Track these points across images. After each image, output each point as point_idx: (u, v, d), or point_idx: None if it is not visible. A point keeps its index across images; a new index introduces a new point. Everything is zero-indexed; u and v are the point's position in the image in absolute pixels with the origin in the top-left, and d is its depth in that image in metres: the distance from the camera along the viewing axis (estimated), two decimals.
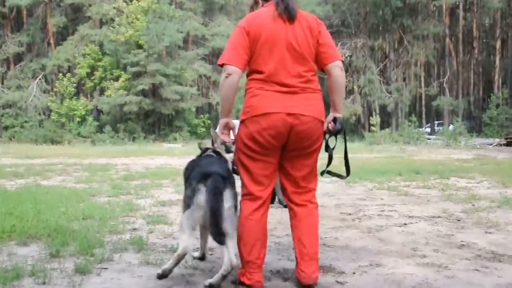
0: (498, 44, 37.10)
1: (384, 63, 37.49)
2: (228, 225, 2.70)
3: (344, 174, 3.03)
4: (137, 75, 30.38)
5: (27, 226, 4.16)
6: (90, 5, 32.63)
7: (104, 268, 3.19)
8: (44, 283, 2.89)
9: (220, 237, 2.64)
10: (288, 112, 2.66)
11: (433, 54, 36.81)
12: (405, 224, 4.77)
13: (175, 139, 29.36)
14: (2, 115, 32.38)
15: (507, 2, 34.12)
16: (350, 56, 34.72)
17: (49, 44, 35.11)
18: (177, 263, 2.81)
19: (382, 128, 29.99)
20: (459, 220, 4.94)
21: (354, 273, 3.16)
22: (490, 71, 39.10)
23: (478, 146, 22.37)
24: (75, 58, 32.40)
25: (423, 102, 38.31)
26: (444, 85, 35.87)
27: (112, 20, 31.58)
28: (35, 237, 3.95)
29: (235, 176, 2.99)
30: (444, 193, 6.93)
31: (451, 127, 29.22)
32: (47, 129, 30.26)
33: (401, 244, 3.94)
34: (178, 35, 31.30)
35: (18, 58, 35.42)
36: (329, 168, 3.01)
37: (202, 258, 3.42)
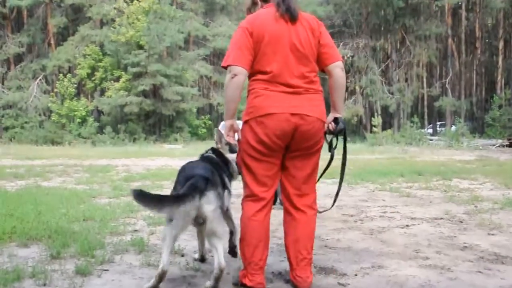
0: (501, 45, 37.03)
1: (386, 63, 37.53)
2: (216, 226, 2.69)
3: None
4: (137, 76, 30.34)
5: (27, 228, 4.17)
6: (90, 6, 32.62)
7: (105, 270, 3.19)
8: (44, 285, 2.89)
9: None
10: (292, 112, 2.66)
11: (435, 54, 36.83)
12: (407, 225, 4.76)
13: (176, 140, 29.29)
14: (3, 116, 32.31)
15: (509, 2, 34.02)
16: (352, 57, 34.69)
17: (49, 44, 35.10)
18: (159, 281, 2.76)
19: (384, 129, 29.93)
20: (461, 222, 4.92)
21: (356, 275, 3.15)
22: (493, 72, 39.15)
23: (481, 147, 22.33)
24: (76, 59, 32.39)
25: (425, 102, 38.33)
26: (447, 85, 35.89)
27: (113, 20, 31.56)
28: (36, 239, 3.95)
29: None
30: (446, 194, 6.91)
31: (453, 128, 29.21)
32: (47, 130, 30.16)
33: (403, 245, 3.93)
34: (179, 35, 31.25)
35: (19, 58, 35.40)
36: (328, 169, 3.02)
37: (202, 259, 3.39)
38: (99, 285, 2.92)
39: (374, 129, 28.13)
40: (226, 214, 2.96)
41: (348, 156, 3.05)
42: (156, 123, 32.13)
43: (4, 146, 24.88)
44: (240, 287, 2.83)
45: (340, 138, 2.92)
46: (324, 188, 6.70)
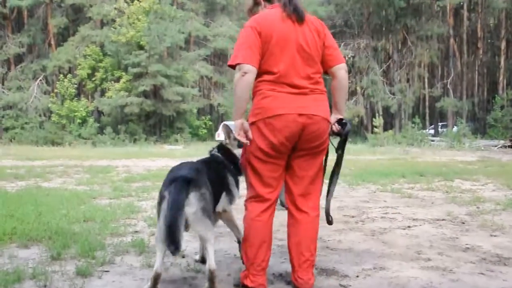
0: (503, 45, 36.97)
1: (388, 64, 37.54)
2: (199, 229, 2.68)
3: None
4: (138, 76, 30.36)
5: (28, 229, 4.16)
6: (91, 6, 32.66)
7: (106, 271, 3.19)
8: (45, 286, 2.88)
9: (173, 248, 2.50)
10: (300, 112, 2.67)
11: (437, 55, 36.87)
12: (409, 226, 4.73)
13: (177, 140, 29.30)
14: (3, 117, 32.31)
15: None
16: (353, 57, 34.68)
17: (49, 45, 35.12)
18: (154, 284, 2.73)
19: (385, 129, 29.99)
20: (463, 223, 4.90)
21: (357, 276, 3.14)
22: (495, 72, 39.10)
23: (483, 148, 22.36)
24: (76, 59, 32.46)
25: (427, 103, 38.32)
26: (448, 86, 35.87)
27: (113, 20, 31.60)
28: (36, 240, 3.94)
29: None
30: (448, 195, 6.88)
31: (455, 128, 29.26)
32: (47, 131, 30.17)
33: (405, 247, 3.91)
34: (180, 35, 31.25)
35: (19, 59, 35.41)
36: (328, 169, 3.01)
37: (203, 260, 3.31)
38: (100, 286, 2.92)
39: (375, 129, 28.17)
40: (213, 216, 2.89)
41: (349, 157, 3.09)
42: (157, 123, 32.18)
43: (4, 147, 24.90)
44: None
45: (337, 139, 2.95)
46: (325, 189, 6.63)
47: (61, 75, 32.22)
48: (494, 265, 3.40)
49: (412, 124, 27.75)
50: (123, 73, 30.68)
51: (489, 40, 41.07)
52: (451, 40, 36.66)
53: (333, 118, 2.86)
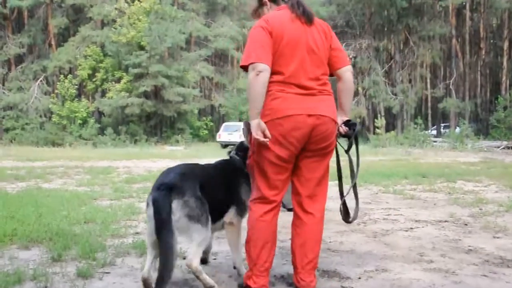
0: (506, 45, 36.88)
1: (389, 64, 37.52)
2: (186, 234, 2.71)
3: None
4: (139, 77, 30.34)
5: (28, 230, 4.19)
6: (91, 6, 32.67)
7: (106, 273, 3.20)
8: (46, 287, 2.89)
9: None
10: (309, 113, 2.69)
11: (439, 55, 36.85)
12: (411, 228, 4.74)
13: (177, 141, 29.25)
14: (3, 117, 32.25)
15: None
16: (355, 57, 34.62)
17: (50, 45, 35.14)
18: (145, 287, 2.77)
19: (387, 130, 29.96)
20: (466, 225, 4.90)
21: (359, 278, 3.15)
22: (498, 73, 39.09)
23: (485, 149, 22.23)
24: (77, 60, 32.46)
25: (429, 104, 38.34)
26: (451, 86, 35.84)
27: (114, 21, 31.58)
28: (37, 241, 3.97)
29: None
30: (451, 196, 6.88)
31: (457, 129, 29.19)
32: (48, 132, 30.15)
33: (407, 248, 3.91)
34: (181, 36, 31.23)
35: (19, 59, 35.38)
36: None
37: (204, 261, 3.32)
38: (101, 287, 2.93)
39: (377, 130, 28.11)
40: (210, 224, 2.83)
41: (351, 158, 3.03)
42: (157, 124, 32.19)
43: (4, 148, 24.87)
44: None
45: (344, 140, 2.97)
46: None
47: (62, 76, 32.16)
48: (497, 267, 3.39)
49: (414, 125, 27.64)
50: (124, 74, 30.66)
51: (491, 41, 41.06)
52: (454, 41, 36.65)
53: (340, 119, 2.89)
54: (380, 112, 34.80)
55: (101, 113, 32.63)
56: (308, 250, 2.82)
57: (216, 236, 3.76)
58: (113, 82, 31.04)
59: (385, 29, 38.14)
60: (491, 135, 29.75)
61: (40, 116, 32.00)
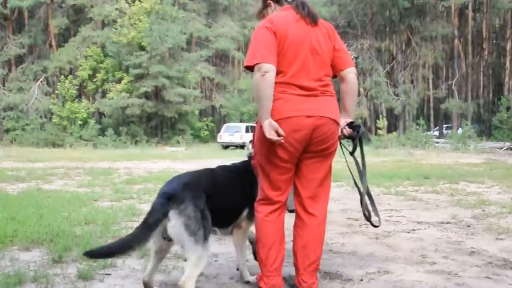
0: (509, 45, 36.67)
1: (391, 65, 37.43)
2: (180, 244, 2.68)
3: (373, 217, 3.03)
4: (139, 77, 30.30)
5: (29, 231, 4.20)
6: (92, 6, 32.71)
7: (107, 274, 3.21)
8: None
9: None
10: (310, 114, 2.69)
11: (441, 55, 36.71)
12: (413, 230, 4.73)
13: (178, 142, 29.23)
14: (3, 118, 32.25)
15: None
16: (356, 58, 34.53)
17: (50, 46, 35.17)
18: None
19: (389, 131, 29.93)
20: (469, 226, 4.88)
21: (361, 280, 3.14)
22: (500, 73, 39.05)
23: (488, 150, 22.10)
24: (77, 60, 32.51)
25: (431, 105, 38.31)
26: (453, 87, 35.74)
27: (114, 21, 31.55)
28: (38, 242, 3.97)
29: None
30: (453, 198, 6.85)
31: (460, 130, 29.17)
32: (48, 132, 30.15)
33: (409, 250, 3.90)
34: (181, 36, 31.18)
35: (20, 60, 35.36)
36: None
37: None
38: None
39: (379, 131, 28.08)
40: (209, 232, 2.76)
41: (351, 159, 2.98)
42: (158, 125, 32.19)
43: (5, 149, 24.85)
44: None
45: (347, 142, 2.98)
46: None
47: (62, 76, 32.16)
48: (500, 269, 3.38)
49: (417, 125, 27.58)
50: (124, 74, 30.63)
51: (494, 41, 41.03)
52: (456, 41, 36.54)
53: (343, 121, 2.87)
54: (382, 113, 34.81)
55: (101, 114, 32.65)
56: (310, 251, 2.81)
57: (217, 237, 3.75)
58: (114, 83, 31.02)
59: (387, 29, 38.12)
60: (493, 136, 29.61)
61: (41, 117, 32.02)
